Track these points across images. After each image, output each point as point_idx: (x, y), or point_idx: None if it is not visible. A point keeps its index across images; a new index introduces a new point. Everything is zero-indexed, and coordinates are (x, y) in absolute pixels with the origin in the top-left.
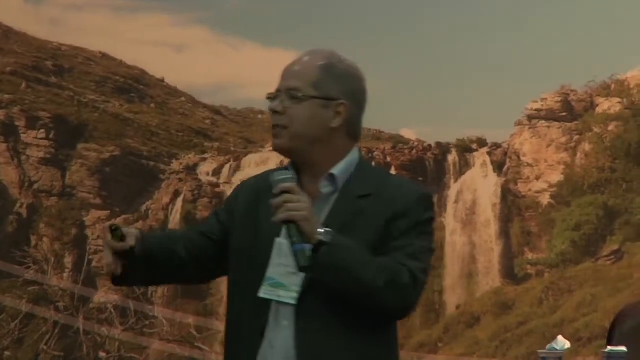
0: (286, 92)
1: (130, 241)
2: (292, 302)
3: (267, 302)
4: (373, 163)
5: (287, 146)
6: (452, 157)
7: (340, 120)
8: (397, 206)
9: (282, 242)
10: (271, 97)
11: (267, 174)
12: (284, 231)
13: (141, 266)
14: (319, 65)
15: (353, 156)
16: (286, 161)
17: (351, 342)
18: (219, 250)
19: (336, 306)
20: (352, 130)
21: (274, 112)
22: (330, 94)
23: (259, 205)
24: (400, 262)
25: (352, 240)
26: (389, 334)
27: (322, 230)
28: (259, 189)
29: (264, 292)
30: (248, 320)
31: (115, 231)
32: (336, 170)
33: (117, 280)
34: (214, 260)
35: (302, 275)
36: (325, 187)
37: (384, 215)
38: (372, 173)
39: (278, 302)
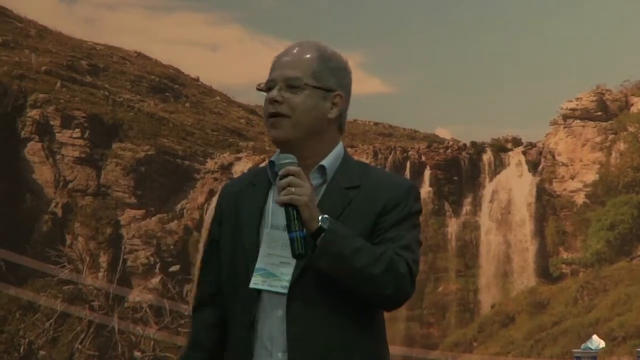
0: (284, 82)
1: None
2: (284, 291)
3: (257, 295)
4: (409, 162)
5: (287, 137)
6: (487, 157)
7: (337, 111)
8: (387, 197)
9: (271, 233)
10: (263, 89)
11: (247, 175)
12: (267, 219)
13: None
14: (316, 56)
15: (340, 149)
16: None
17: (340, 330)
18: None
19: (327, 294)
20: (342, 122)
21: (272, 101)
22: (328, 85)
23: (238, 204)
24: (395, 252)
25: (348, 229)
26: (376, 325)
27: (321, 217)
28: (238, 192)
29: (254, 283)
30: (239, 315)
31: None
32: (326, 162)
33: None
34: None
35: (293, 264)
36: (315, 179)
37: (373, 206)
38: (356, 165)
39: (270, 293)
